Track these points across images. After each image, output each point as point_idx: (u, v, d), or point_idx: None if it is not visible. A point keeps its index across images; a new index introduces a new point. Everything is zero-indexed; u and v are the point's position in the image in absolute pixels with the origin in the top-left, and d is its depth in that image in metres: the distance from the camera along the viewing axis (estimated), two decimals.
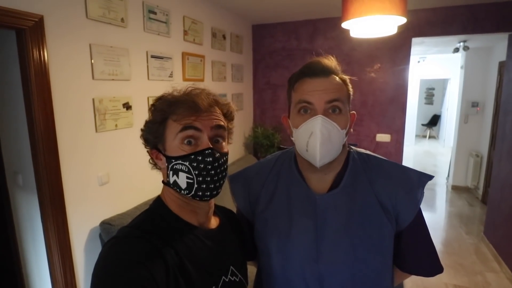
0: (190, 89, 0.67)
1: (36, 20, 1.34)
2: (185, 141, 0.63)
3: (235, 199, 0.88)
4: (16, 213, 1.71)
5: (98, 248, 1.72)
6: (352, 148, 0.82)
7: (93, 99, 1.63)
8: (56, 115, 1.46)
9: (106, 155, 1.75)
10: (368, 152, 0.82)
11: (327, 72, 0.73)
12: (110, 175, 1.78)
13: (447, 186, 4.98)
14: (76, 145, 1.58)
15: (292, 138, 0.77)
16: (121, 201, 1.86)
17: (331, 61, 0.74)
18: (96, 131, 1.67)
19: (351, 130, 0.76)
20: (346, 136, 0.74)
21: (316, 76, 0.72)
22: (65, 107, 1.51)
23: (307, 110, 0.71)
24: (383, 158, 0.81)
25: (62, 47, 1.47)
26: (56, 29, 1.44)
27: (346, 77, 0.76)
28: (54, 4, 1.42)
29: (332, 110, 0.71)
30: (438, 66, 7.08)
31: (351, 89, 0.76)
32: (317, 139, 0.68)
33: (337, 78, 0.74)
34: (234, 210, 0.91)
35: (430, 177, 0.77)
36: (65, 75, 1.50)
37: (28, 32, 1.32)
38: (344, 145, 0.76)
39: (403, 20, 1.46)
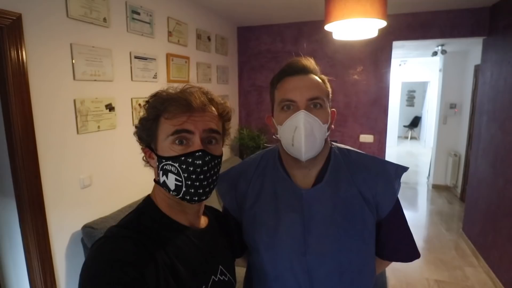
0: (185, 87, 0.66)
1: (14, 18, 1.30)
2: (177, 141, 0.62)
3: (222, 198, 0.89)
4: None
5: (80, 253, 1.68)
6: (333, 144, 0.85)
7: (74, 100, 1.60)
8: (35, 116, 1.42)
9: (89, 157, 1.71)
10: (348, 147, 0.87)
11: (306, 70, 0.77)
12: (92, 177, 1.74)
13: (428, 185, 5.14)
14: (56, 147, 1.54)
15: (277, 136, 0.79)
16: (104, 204, 1.82)
17: (309, 62, 0.79)
18: (78, 132, 1.63)
19: (332, 127, 0.80)
20: (328, 131, 0.77)
21: (296, 74, 0.77)
22: (44, 108, 1.47)
23: (290, 107, 0.75)
24: (362, 152, 0.85)
25: (41, 47, 1.43)
26: (35, 28, 1.40)
27: (325, 77, 0.80)
28: (33, 2, 1.38)
29: (314, 105, 0.74)
30: (419, 69, 7.31)
31: (329, 88, 0.80)
32: (301, 132, 0.71)
33: (316, 77, 0.78)
34: (220, 208, 0.91)
35: (405, 169, 0.81)
36: (44, 75, 1.46)
37: (5, 31, 1.28)
38: (326, 141, 0.79)
39: (383, 23, 1.51)
